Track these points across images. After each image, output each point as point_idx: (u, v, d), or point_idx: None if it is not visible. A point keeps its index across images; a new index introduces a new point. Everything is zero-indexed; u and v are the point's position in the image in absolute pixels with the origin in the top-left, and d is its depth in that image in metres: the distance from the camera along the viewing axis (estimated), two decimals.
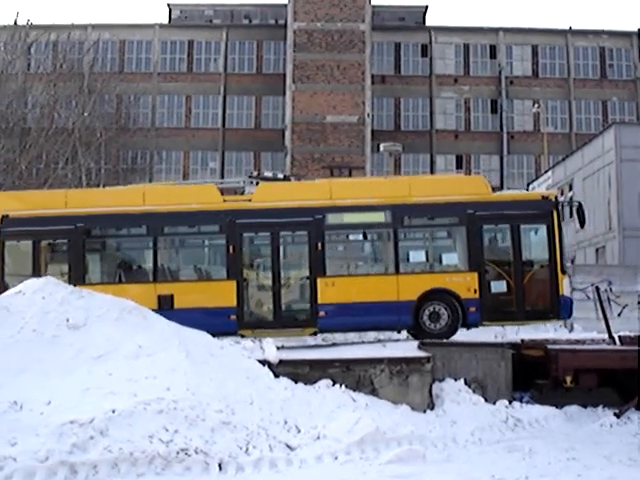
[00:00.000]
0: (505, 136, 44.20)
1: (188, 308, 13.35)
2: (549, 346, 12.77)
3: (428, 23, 48.95)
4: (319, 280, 13.76)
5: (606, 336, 13.68)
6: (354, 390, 10.92)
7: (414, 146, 42.64)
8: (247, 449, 8.83)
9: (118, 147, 39.77)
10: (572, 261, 29.45)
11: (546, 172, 36.29)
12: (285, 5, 43.38)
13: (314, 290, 13.76)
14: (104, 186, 28.56)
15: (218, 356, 10.57)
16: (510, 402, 11.85)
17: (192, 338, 10.70)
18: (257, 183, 15.04)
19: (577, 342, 13.86)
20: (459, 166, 44.23)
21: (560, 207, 14.35)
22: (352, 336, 15.68)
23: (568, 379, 12.03)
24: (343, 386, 10.85)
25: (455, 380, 11.91)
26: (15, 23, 32.53)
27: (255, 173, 16.78)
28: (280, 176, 16.26)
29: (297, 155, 41.46)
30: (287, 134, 41.96)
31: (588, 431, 11.07)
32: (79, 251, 14.07)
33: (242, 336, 13.56)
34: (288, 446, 9.10)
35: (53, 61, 36.54)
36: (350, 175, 29.76)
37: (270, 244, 14.11)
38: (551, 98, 44.27)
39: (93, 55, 39.94)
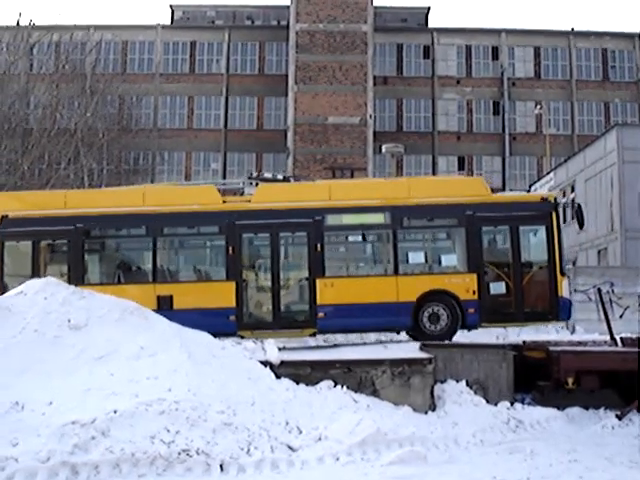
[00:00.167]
0: (507, 137, 44.16)
1: (187, 309, 13.35)
2: (551, 348, 12.73)
3: (430, 24, 49.01)
4: (318, 281, 13.76)
5: (608, 338, 13.68)
6: (355, 391, 10.91)
7: (416, 147, 42.62)
8: (248, 450, 8.82)
9: (120, 148, 39.86)
10: (574, 263, 29.46)
11: (548, 174, 36.25)
12: (287, 6, 43.41)
13: (313, 291, 13.76)
14: (106, 187, 28.61)
15: (220, 357, 10.57)
16: (512, 404, 11.81)
17: (193, 339, 10.71)
18: (256, 184, 15.07)
19: (579, 344, 13.85)
20: (461, 167, 44.21)
21: (559, 209, 14.35)
22: (353, 337, 15.67)
23: (570, 381, 12.02)
24: (345, 387, 10.84)
25: (457, 381, 11.89)
26: (18, 24, 32.65)
27: (256, 174, 16.79)
28: (279, 177, 16.27)
29: (299, 156, 41.47)
30: (289, 135, 41.97)
31: (590, 433, 11.05)
32: (78, 251, 14.08)
33: (241, 337, 13.56)
34: (290, 447, 9.10)
35: (55, 62, 36.65)
36: (352, 176, 29.68)
37: (269, 245, 14.11)
38: (553, 99, 44.22)
39: (95, 56, 40.05)
